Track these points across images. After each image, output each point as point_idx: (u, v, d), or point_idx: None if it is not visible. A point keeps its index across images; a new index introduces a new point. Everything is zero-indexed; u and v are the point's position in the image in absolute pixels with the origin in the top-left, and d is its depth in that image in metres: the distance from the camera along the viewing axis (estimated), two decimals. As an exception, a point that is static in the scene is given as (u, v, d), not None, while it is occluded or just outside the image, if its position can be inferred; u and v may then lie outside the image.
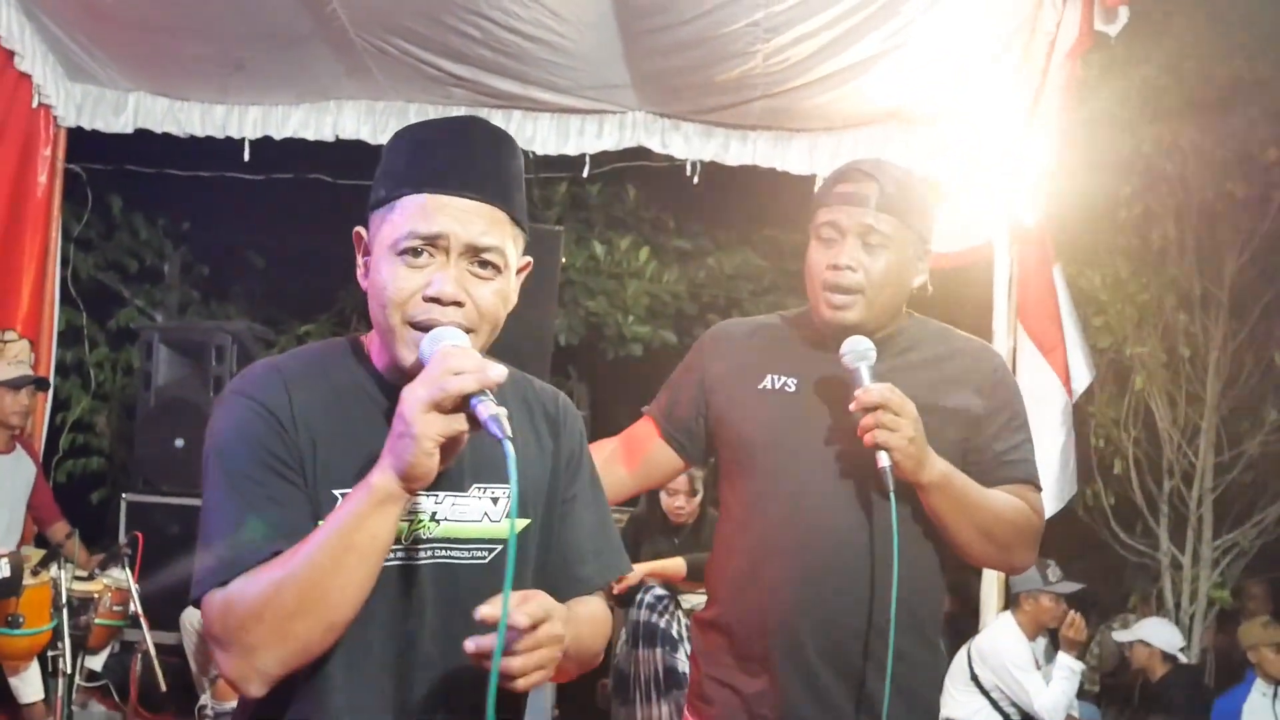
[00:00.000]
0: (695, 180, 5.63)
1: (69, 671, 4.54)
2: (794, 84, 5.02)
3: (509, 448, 1.37)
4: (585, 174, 5.82)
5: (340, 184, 6.44)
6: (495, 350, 1.55)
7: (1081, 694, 5.46)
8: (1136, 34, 4.72)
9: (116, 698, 5.44)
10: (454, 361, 1.42)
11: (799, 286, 2.18)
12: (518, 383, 1.72)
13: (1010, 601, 5.21)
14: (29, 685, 4.98)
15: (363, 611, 1.47)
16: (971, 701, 5.03)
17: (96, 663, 5.33)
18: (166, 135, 5.82)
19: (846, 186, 2.16)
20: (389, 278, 1.53)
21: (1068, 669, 4.97)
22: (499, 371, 1.42)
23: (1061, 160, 4.70)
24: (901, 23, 4.61)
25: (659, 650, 4.51)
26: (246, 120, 5.68)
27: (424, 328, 1.52)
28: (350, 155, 5.93)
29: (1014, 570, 2.30)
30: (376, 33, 5.06)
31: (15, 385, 5.17)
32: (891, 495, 1.98)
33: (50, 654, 4.58)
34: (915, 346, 2.21)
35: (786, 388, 2.19)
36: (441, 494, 1.57)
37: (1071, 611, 5.06)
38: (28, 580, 4.53)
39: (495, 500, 1.61)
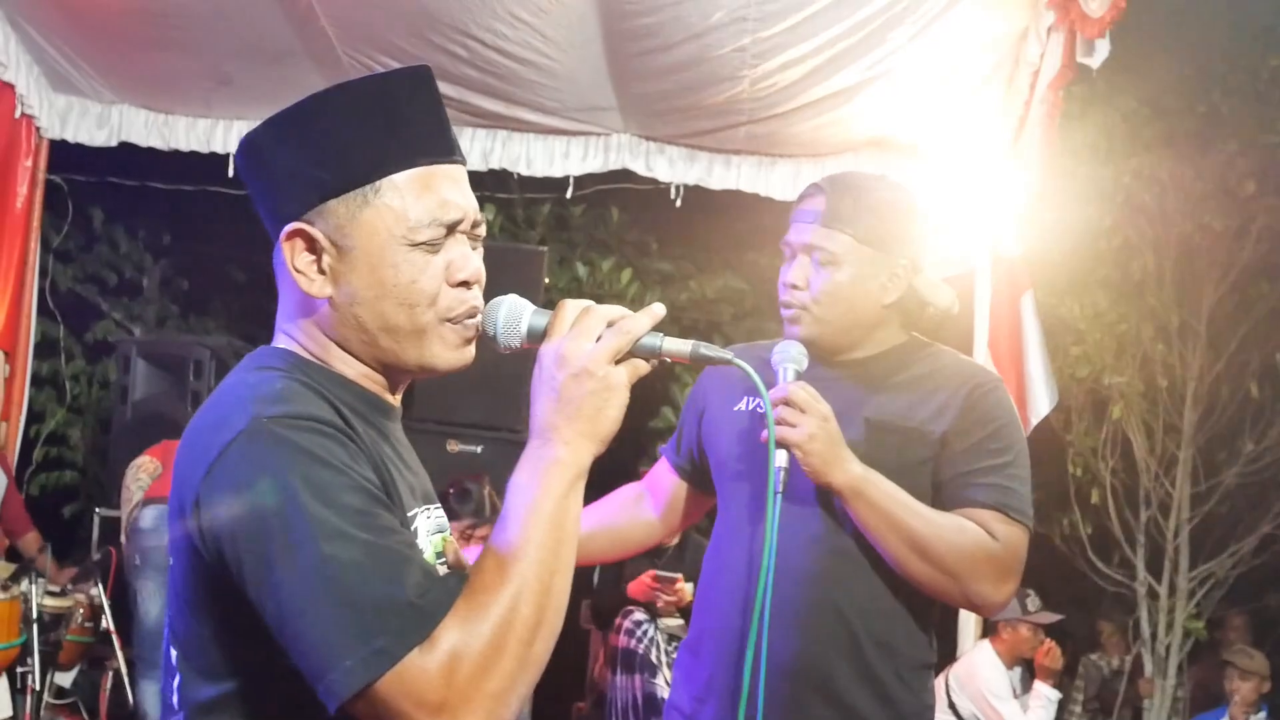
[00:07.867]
0: (679, 203, 5.63)
1: (37, 688, 4.49)
2: (779, 110, 5.03)
3: (742, 361, 1.33)
4: (569, 195, 5.82)
5: (323, 201, 6.40)
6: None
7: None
8: (1118, 67, 4.75)
9: (85, 715, 5.37)
10: (599, 311, 1.28)
11: (779, 310, 2.19)
12: None
13: (988, 630, 5.22)
14: (-4, 701, 4.92)
15: None
16: (948, 729, 5.03)
17: (66, 680, 5.27)
18: (150, 148, 5.80)
19: (800, 204, 2.16)
20: (411, 275, 1.29)
21: (1045, 698, 4.98)
22: (658, 306, 1.31)
23: (1043, 191, 4.72)
24: (886, 51, 4.62)
25: (637, 677, 4.48)
26: (231, 135, 5.66)
27: (461, 319, 1.34)
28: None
29: (977, 606, 2.11)
30: (364, 49, 5.05)
31: None
32: (778, 494, 1.91)
33: (19, 670, 4.52)
34: (904, 368, 2.15)
35: (758, 408, 2.16)
36: None
37: (1048, 640, 5.07)
38: (-2, 595, 4.47)
39: None
